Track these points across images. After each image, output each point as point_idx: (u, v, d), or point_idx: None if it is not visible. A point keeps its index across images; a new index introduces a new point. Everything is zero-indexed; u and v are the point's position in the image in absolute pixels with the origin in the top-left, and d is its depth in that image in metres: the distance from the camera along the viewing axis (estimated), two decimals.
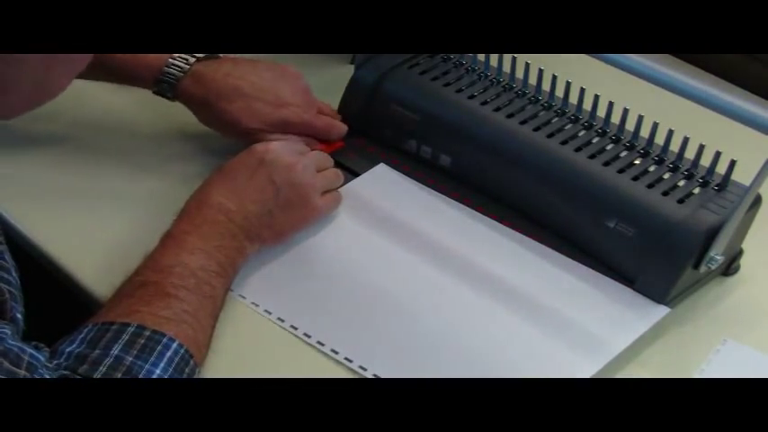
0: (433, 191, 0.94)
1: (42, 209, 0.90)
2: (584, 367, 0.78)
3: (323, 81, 1.00)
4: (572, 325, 0.82)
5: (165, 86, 0.94)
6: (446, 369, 0.78)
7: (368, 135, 0.99)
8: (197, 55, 0.94)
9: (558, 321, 0.82)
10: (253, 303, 0.82)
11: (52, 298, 0.90)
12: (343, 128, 0.97)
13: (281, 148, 0.87)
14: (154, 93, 0.95)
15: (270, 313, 0.82)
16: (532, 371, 0.78)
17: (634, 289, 0.85)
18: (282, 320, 0.81)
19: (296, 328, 0.80)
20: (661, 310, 0.83)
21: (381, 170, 0.97)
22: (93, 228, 0.89)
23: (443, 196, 0.94)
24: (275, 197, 0.84)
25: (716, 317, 0.86)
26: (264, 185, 0.84)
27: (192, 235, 0.79)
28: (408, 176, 0.96)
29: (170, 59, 0.93)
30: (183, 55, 0.94)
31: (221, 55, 0.96)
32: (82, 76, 0.96)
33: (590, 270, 0.87)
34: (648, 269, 0.84)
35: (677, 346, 0.83)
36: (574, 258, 0.88)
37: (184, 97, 0.94)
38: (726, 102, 0.75)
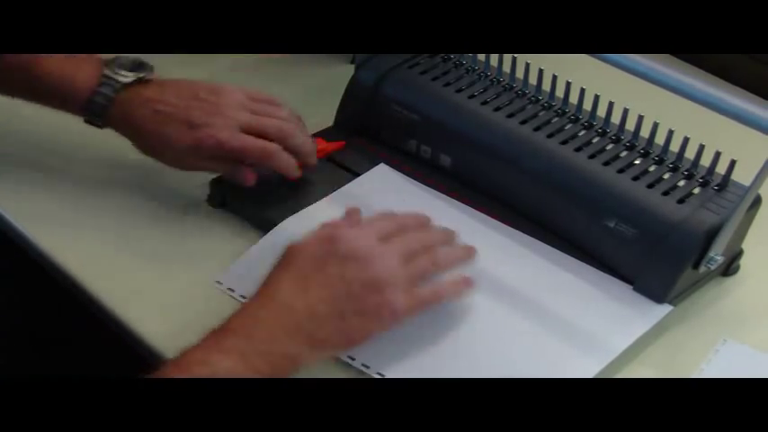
0: (433, 191, 0.94)
1: (42, 209, 0.90)
2: (587, 366, 0.78)
3: (323, 81, 1.00)
4: (574, 324, 0.82)
5: (94, 117, 0.87)
6: (448, 368, 0.78)
7: (368, 135, 0.99)
8: (126, 75, 0.86)
9: (560, 320, 0.82)
10: None
11: (52, 298, 0.90)
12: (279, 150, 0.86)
13: (356, 235, 0.75)
14: (84, 122, 0.88)
15: None
16: (535, 370, 0.78)
17: (634, 289, 0.85)
18: None
19: None
20: (663, 309, 0.83)
21: (381, 170, 0.97)
22: (94, 227, 0.89)
23: (444, 196, 0.94)
24: (346, 297, 0.72)
25: (716, 317, 0.86)
26: (334, 282, 0.72)
27: (238, 334, 0.69)
28: (408, 176, 0.96)
29: (97, 89, 0.85)
30: (111, 79, 0.86)
31: (154, 76, 0.88)
32: (6, 92, 0.90)
33: (591, 268, 0.87)
34: (648, 269, 0.84)
35: (677, 345, 0.83)
36: (574, 257, 0.88)
37: (115, 128, 0.88)
38: (726, 102, 0.75)
